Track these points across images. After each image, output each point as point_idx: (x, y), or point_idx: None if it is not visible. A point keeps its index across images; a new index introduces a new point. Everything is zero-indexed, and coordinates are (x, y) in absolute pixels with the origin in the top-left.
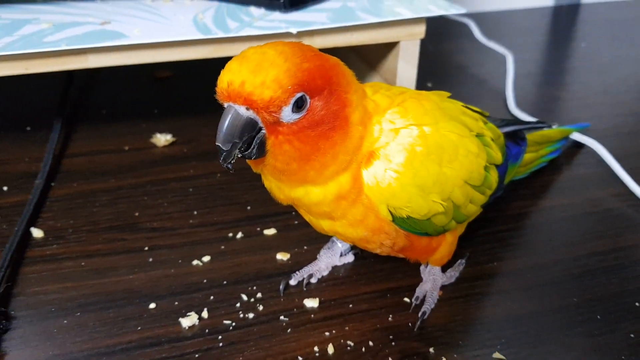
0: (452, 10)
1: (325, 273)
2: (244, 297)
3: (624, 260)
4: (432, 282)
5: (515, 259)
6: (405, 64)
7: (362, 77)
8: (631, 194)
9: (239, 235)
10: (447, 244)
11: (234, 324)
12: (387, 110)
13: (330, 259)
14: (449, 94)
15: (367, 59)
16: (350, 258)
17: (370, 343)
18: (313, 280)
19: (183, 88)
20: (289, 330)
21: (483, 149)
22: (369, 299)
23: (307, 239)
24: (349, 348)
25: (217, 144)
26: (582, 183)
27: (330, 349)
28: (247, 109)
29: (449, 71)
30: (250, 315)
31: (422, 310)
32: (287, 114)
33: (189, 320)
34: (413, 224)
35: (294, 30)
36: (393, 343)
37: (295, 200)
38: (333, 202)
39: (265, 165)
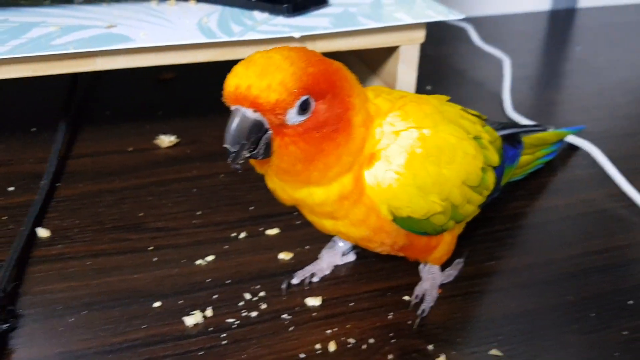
0: (450, 16)
1: (327, 272)
2: (247, 296)
3: (618, 260)
4: (431, 280)
5: (512, 258)
6: (406, 67)
7: (363, 80)
8: (625, 195)
9: (242, 235)
10: (445, 243)
11: (237, 322)
12: (388, 113)
13: (332, 258)
14: (448, 98)
15: (368, 63)
16: (351, 257)
17: (371, 340)
18: (315, 279)
19: (186, 90)
20: (291, 328)
21: (480, 151)
22: (370, 297)
23: (309, 238)
24: (349, 345)
25: (225, 145)
26: (577, 184)
27: (332, 346)
28: (254, 111)
29: (448, 75)
30: (254, 314)
31: (422, 308)
32: (293, 116)
33: (193, 319)
34: (413, 224)
35: (297, 35)
36: (393, 340)
37: (299, 200)
38: (336, 202)
39: (271, 165)
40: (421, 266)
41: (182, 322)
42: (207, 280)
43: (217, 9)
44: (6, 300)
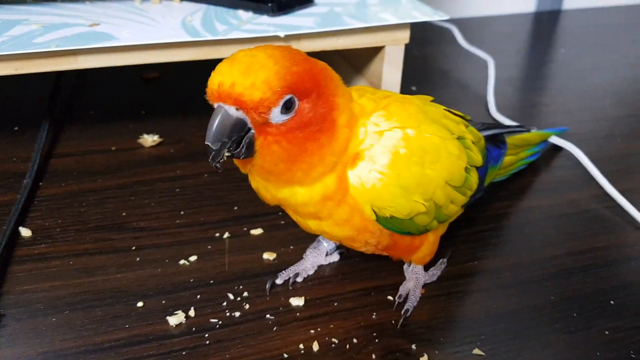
0: (435, 17)
1: (311, 272)
2: (231, 296)
3: (600, 260)
4: (414, 280)
5: (494, 258)
6: (390, 68)
7: (348, 80)
8: (607, 195)
9: (226, 235)
10: (429, 243)
11: (220, 322)
12: (372, 113)
13: (316, 258)
14: (431, 98)
15: (353, 63)
16: (335, 257)
17: (355, 340)
18: (299, 279)
19: (170, 89)
20: (274, 328)
21: (464, 151)
22: (354, 297)
23: (293, 238)
24: (333, 345)
25: (206, 143)
26: (560, 185)
27: (315, 346)
28: (237, 109)
29: (433, 75)
30: (237, 314)
31: (405, 308)
32: (276, 115)
33: (176, 319)
34: (396, 224)
35: (281, 34)
36: (376, 340)
37: (282, 200)
38: (319, 202)
39: (254, 165)
40: (405, 266)
41: (166, 322)
42: (191, 280)
43: (202, 7)
44: None
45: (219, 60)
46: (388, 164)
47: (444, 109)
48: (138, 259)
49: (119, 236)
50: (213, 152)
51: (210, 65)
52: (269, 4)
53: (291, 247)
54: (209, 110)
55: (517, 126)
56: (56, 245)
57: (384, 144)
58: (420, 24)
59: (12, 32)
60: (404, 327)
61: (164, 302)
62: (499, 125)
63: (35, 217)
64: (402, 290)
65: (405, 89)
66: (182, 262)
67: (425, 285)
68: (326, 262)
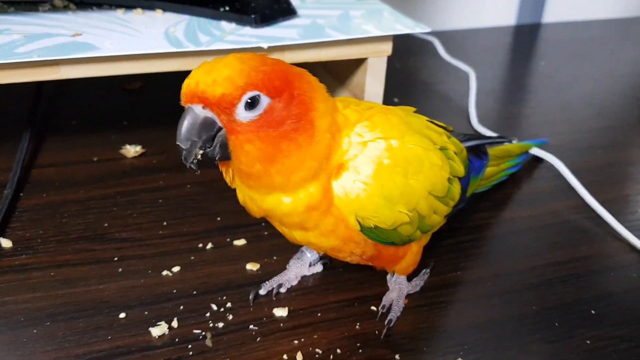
0: (417, 29)
1: (294, 283)
2: (214, 307)
3: (581, 270)
4: (398, 291)
5: (477, 268)
6: (373, 79)
7: (331, 91)
8: (587, 206)
9: (209, 245)
10: (412, 254)
11: (204, 333)
12: (356, 124)
13: (300, 269)
14: (414, 109)
15: (336, 75)
16: (319, 268)
17: (338, 350)
18: (282, 290)
19: (153, 100)
20: (258, 339)
21: (447, 161)
22: (337, 307)
23: (276, 249)
24: (317, 356)
25: (177, 142)
26: (541, 196)
27: (299, 357)
28: (203, 107)
29: (415, 87)
30: (220, 325)
31: (389, 318)
32: (241, 112)
33: (159, 330)
34: (380, 234)
35: (264, 45)
36: (360, 350)
37: (267, 211)
38: (304, 213)
39: (233, 169)
40: (388, 276)
41: (148, 333)
42: (173, 291)
43: (185, 18)
44: None
45: None
46: (372, 175)
47: (427, 120)
48: (120, 269)
49: (101, 247)
50: (184, 152)
51: None
52: (252, 16)
53: (274, 257)
54: None
55: (498, 137)
56: (37, 256)
57: (368, 154)
58: (402, 36)
59: None
60: (387, 338)
61: (146, 313)
62: (480, 136)
63: (16, 227)
64: (386, 300)
65: (387, 101)
66: (165, 272)
67: (408, 296)
68: (310, 273)
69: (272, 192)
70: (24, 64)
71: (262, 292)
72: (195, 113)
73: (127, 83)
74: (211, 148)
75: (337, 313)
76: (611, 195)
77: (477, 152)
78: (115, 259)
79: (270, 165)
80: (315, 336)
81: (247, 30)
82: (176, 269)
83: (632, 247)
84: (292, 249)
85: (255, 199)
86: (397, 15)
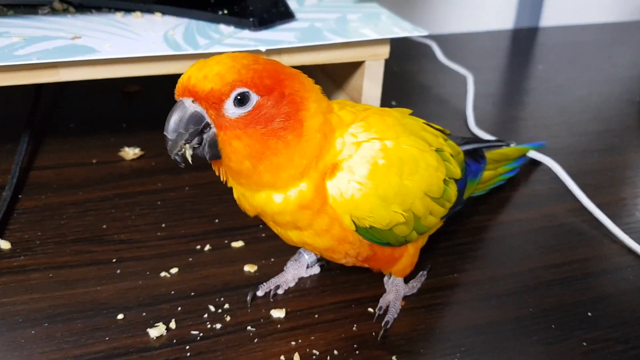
0: (415, 33)
1: (291, 284)
2: (212, 308)
3: (577, 273)
4: (395, 292)
5: (474, 270)
6: (370, 83)
7: (329, 94)
8: (584, 209)
9: (207, 247)
10: (409, 255)
11: (201, 334)
12: (351, 124)
13: (297, 270)
14: (410, 111)
15: (333, 78)
16: (316, 270)
17: (335, 352)
18: (280, 292)
19: (151, 102)
20: (255, 340)
21: (442, 163)
22: (334, 309)
23: (274, 251)
24: (314, 357)
25: (164, 133)
26: (538, 199)
27: (296, 358)
28: (193, 101)
29: (412, 90)
30: (218, 326)
31: (385, 319)
32: (230, 108)
33: (156, 331)
34: (376, 234)
35: (262, 48)
36: (357, 352)
37: (259, 209)
38: (295, 211)
39: (224, 167)
40: (385, 278)
41: (146, 334)
42: (171, 293)
43: (183, 21)
44: None
45: None
46: (367, 175)
47: (424, 123)
48: (119, 271)
49: (100, 248)
50: (170, 142)
51: None
52: (251, 19)
53: (272, 259)
54: None
55: (495, 141)
56: (36, 257)
57: (363, 154)
58: (400, 39)
59: None
60: (384, 339)
61: (144, 314)
62: (478, 139)
63: (14, 229)
64: (383, 302)
65: (385, 104)
66: (163, 274)
67: (405, 298)
68: (307, 275)
69: (262, 189)
70: (23, 67)
71: (259, 293)
72: (185, 106)
73: (126, 86)
74: (201, 147)
75: (335, 314)
76: (608, 198)
77: (474, 156)
78: (114, 260)
79: (259, 163)
80: (313, 337)
81: (246, 33)
82: (174, 270)
83: (628, 250)
84: (290, 250)
85: (247, 197)
86: (395, 18)
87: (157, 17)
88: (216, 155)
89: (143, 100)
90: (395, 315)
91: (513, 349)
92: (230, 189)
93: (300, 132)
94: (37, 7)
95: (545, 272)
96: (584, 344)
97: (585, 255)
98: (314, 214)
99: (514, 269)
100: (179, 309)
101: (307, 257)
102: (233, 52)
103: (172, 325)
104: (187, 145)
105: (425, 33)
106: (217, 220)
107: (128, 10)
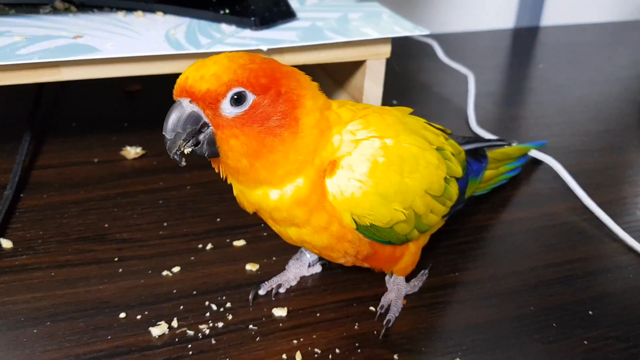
0: (416, 32)
1: (293, 283)
2: (214, 307)
3: (578, 271)
4: (396, 291)
5: (475, 269)
6: (372, 82)
7: (330, 94)
8: (585, 208)
9: (209, 246)
10: (410, 254)
11: (203, 333)
12: (349, 122)
13: (299, 269)
14: (411, 110)
15: (335, 77)
16: (318, 269)
17: (337, 350)
18: (282, 290)
19: (153, 102)
20: (257, 338)
21: (443, 161)
22: (336, 308)
23: (276, 250)
24: (316, 355)
25: (163, 133)
26: (539, 198)
27: (298, 357)
28: (190, 101)
29: (414, 90)
30: (220, 325)
31: (387, 318)
32: (227, 107)
33: (159, 330)
34: (376, 232)
35: (264, 47)
36: (359, 350)
37: (256, 205)
38: (291, 207)
39: (222, 164)
40: (387, 277)
41: (148, 333)
42: (173, 291)
43: (185, 21)
44: None
45: None
46: (367, 173)
47: (424, 122)
48: (120, 270)
49: (101, 247)
50: (168, 142)
51: None
52: (252, 18)
53: (274, 258)
54: None
55: (497, 140)
56: (37, 256)
57: (363, 152)
58: (401, 38)
59: None
60: (385, 338)
61: (146, 313)
62: (480, 139)
63: (16, 228)
64: (384, 301)
65: (386, 103)
66: (165, 273)
67: (406, 296)
68: (308, 274)
69: (259, 185)
70: (25, 66)
71: (261, 292)
72: (183, 106)
73: (128, 86)
74: (199, 145)
75: (336, 313)
76: (609, 197)
77: (476, 155)
78: (116, 259)
79: (256, 160)
80: (314, 336)
81: (247, 32)
82: (176, 269)
83: (629, 248)
84: (292, 249)
85: (245, 193)
86: (396, 17)
87: (159, 16)
88: (215, 153)
89: (144, 99)
90: (397, 314)
91: (514, 348)
92: (231, 187)
93: (296, 130)
94: (38, 7)
95: (546, 270)
96: (585, 342)
97: (586, 254)
98: (310, 210)
99: (515, 268)
100: (181, 307)
101: (309, 256)
102: (231, 51)
103: (174, 323)
104: (186, 144)
105: (426, 32)
106: (218, 219)
107: (130, 9)
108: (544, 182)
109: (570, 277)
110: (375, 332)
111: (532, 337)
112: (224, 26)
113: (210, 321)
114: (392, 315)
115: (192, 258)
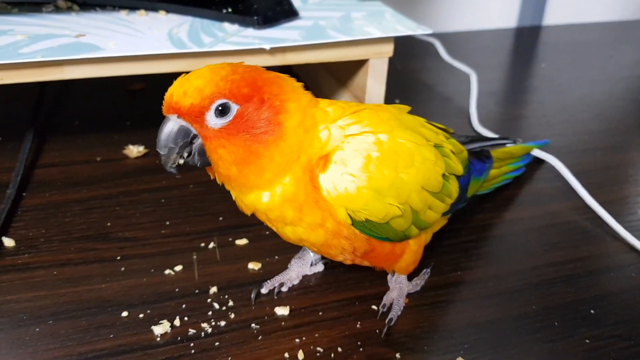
0: (418, 31)
1: (295, 282)
2: (216, 306)
3: (580, 270)
4: (398, 290)
5: (478, 268)
6: (374, 81)
7: (332, 93)
8: (588, 207)
9: (211, 245)
10: (411, 252)
11: (205, 331)
12: (339, 118)
13: (301, 268)
14: (409, 108)
15: (337, 76)
16: (320, 267)
17: (339, 349)
18: (284, 289)
19: (155, 101)
20: (260, 337)
21: (441, 158)
22: (338, 306)
23: (278, 249)
24: (318, 354)
25: (157, 149)
26: (542, 197)
27: (300, 355)
28: (178, 117)
29: (416, 89)
30: (222, 323)
31: (389, 317)
32: (212, 119)
33: (161, 328)
34: (373, 228)
35: (267, 47)
36: (361, 349)
37: (251, 207)
38: (281, 206)
39: (215, 172)
40: (389, 276)
41: (151, 332)
42: (176, 290)
43: (188, 20)
44: None
45: None
46: (360, 167)
47: (424, 121)
48: (123, 268)
49: (104, 246)
50: (163, 157)
51: None
52: (255, 17)
53: (276, 257)
54: None
55: (503, 138)
56: (40, 255)
57: (356, 147)
58: (403, 38)
59: None
60: (388, 336)
61: (149, 311)
62: (485, 137)
63: (18, 227)
64: (386, 299)
65: (388, 102)
66: (167, 271)
67: (408, 295)
68: (311, 272)
69: (251, 190)
70: (28, 64)
71: (263, 291)
72: (172, 122)
73: (130, 84)
74: (191, 156)
75: (338, 312)
76: (611, 196)
77: (479, 156)
78: (118, 258)
79: (244, 167)
80: (317, 335)
81: (250, 31)
82: (178, 268)
83: (631, 247)
84: (294, 248)
85: (240, 197)
86: (399, 16)
87: (162, 15)
88: (207, 162)
89: (147, 98)
90: (399, 313)
91: (516, 347)
92: None
93: (279, 134)
94: (41, 5)
95: (548, 269)
96: (587, 341)
97: (588, 253)
98: (300, 207)
99: (518, 267)
100: (183, 306)
101: (311, 255)
102: (240, 53)
103: (177, 322)
104: (179, 157)
105: (429, 31)
106: (221, 218)
107: (132, 8)
108: (546, 181)
109: (572, 276)
110: (377, 330)
111: (534, 336)
112: (226, 25)
113: (212, 320)
114: (394, 314)
115: (195, 257)
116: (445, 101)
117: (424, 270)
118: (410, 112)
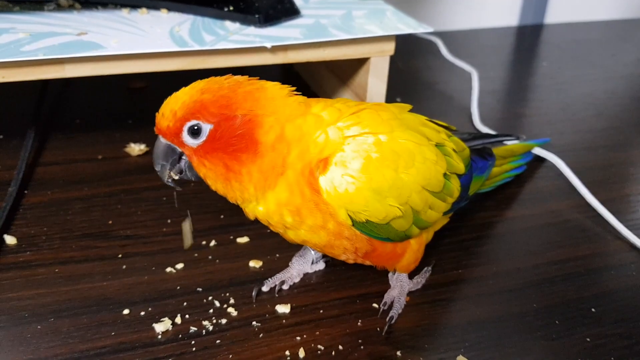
0: (420, 29)
1: (296, 280)
2: (217, 303)
3: (581, 269)
4: (399, 288)
5: (478, 266)
6: (376, 79)
7: (334, 91)
8: (588, 205)
9: (212, 243)
10: (412, 251)
11: (207, 329)
12: (336, 121)
13: (302, 266)
14: (410, 107)
15: (339, 74)
16: (321, 265)
17: (340, 347)
18: (285, 287)
19: (157, 98)
20: (261, 335)
21: (442, 157)
22: (339, 304)
23: (279, 247)
24: (319, 352)
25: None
26: (543, 195)
27: (301, 353)
28: (163, 137)
29: (417, 87)
30: (223, 321)
31: (390, 315)
32: (188, 139)
33: (162, 326)
34: (373, 228)
35: (268, 45)
36: (362, 347)
37: (251, 214)
38: (279, 212)
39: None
40: (390, 274)
41: (152, 329)
42: (177, 288)
43: (189, 18)
44: None
45: (207, 71)
46: (360, 168)
47: (425, 119)
48: (124, 266)
49: (105, 244)
50: (158, 172)
51: (197, 75)
52: (256, 15)
53: (277, 255)
54: None
55: (506, 135)
56: (41, 253)
57: (356, 149)
58: (405, 36)
59: None
60: (389, 334)
61: (150, 309)
62: (487, 135)
63: (20, 225)
64: (387, 297)
65: (390, 100)
66: (168, 269)
67: (409, 293)
68: (312, 270)
69: (244, 202)
70: (29, 63)
71: (264, 288)
72: (160, 141)
73: (132, 82)
74: (184, 172)
75: (339, 310)
76: (612, 194)
77: (482, 153)
78: (120, 255)
79: (227, 183)
80: (318, 333)
81: (251, 30)
82: (180, 265)
83: (632, 246)
84: (295, 246)
85: (241, 205)
86: (400, 15)
87: (163, 13)
88: (198, 176)
89: (149, 96)
90: (400, 311)
91: (517, 345)
92: None
93: (255, 150)
94: (43, 3)
95: (549, 268)
96: (588, 339)
97: (589, 251)
98: (298, 210)
99: (518, 265)
100: (185, 304)
101: (313, 253)
102: (241, 51)
103: (178, 320)
104: (173, 172)
105: (430, 30)
106: (222, 216)
107: (134, 6)
108: (547, 179)
109: (573, 275)
110: (378, 328)
111: (534, 334)
112: (228, 23)
113: (213, 317)
114: (395, 312)
115: (196, 255)
116: (447, 100)
117: (425, 269)
118: (411, 111)
